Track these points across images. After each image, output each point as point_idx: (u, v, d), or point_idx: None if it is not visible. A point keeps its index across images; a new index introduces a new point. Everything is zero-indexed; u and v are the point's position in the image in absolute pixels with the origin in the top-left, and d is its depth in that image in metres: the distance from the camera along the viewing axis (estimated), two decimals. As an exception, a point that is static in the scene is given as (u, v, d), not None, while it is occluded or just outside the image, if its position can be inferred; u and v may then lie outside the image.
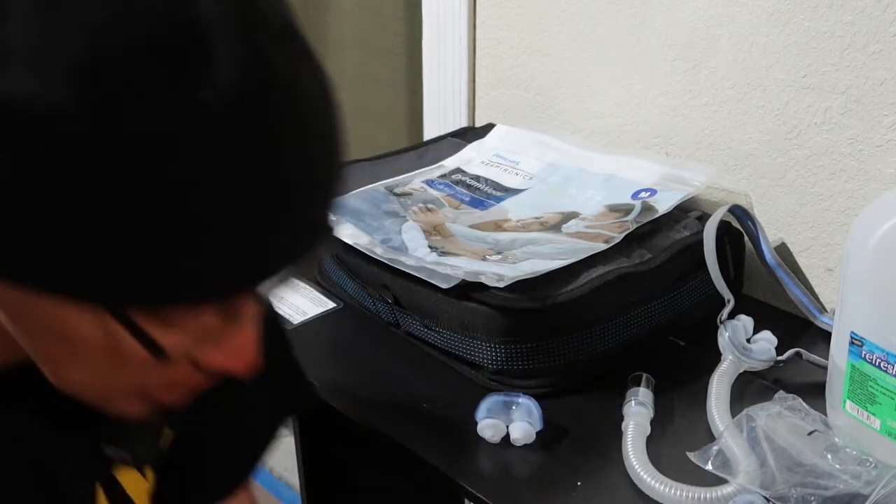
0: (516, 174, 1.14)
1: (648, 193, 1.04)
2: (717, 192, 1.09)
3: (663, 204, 1.01)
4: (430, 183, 1.12)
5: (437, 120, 1.38)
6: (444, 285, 0.89)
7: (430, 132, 1.40)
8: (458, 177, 1.14)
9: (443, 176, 1.14)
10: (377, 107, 1.75)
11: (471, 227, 1.02)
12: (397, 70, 1.68)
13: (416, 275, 0.91)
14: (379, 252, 0.95)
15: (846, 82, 0.96)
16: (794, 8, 0.98)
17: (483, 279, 0.87)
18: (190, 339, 0.51)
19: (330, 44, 1.78)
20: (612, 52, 1.16)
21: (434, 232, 1.00)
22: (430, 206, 1.06)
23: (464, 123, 1.35)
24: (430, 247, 0.96)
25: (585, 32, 1.17)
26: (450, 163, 1.17)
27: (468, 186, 1.12)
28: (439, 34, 1.33)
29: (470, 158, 1.18)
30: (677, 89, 1.10)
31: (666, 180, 1.05)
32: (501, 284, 0.86)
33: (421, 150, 1.20)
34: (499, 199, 1.09)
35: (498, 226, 1.03)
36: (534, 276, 0.88)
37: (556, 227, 1.01)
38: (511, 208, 1.07)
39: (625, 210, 1.02)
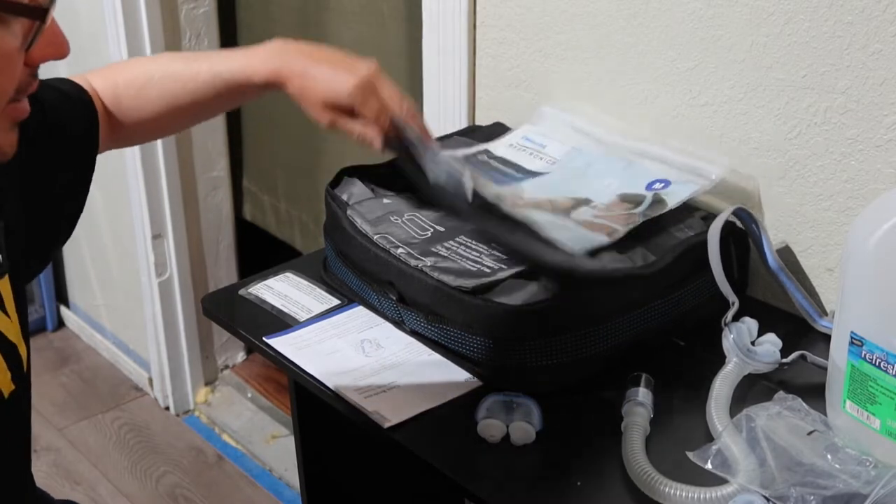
0: (540, 158, 1.15)
1: (662, 185, 1.04)
2: (724, 193, 1.09)
3: (674, 197, 1.01)
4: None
5: (438, 120, 1.38)
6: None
7: (429, 132, 1.40)
8: (484, 157, 1.15)
9: (467, 156, 1.14)
10: (377, 107, 1.75)
11: None
12: (397, 70, 1.68)
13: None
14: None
15: (846, 82, 0.96)
16: (794, 8, 0.98)
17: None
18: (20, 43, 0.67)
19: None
20: (612, 53, 1.16)
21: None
22: None
23: (464, 123, 1.35)
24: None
25: (585, 32, 1.17)
26: (482, 145, 1.18)
27: (490, 167, 1.12)
28: (439, 34, 1.33)
29: (508, 141, 1.19)
30: (677, 89, 1.10)
31: (683, 171, 1.05)
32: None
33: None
34: (518, 181, 1.10)
35: (512, 202, 1.03)
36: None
37: (566, 212, 1.02)
38: (528, 189, 1.08)
39: (635, 201, 1.02)
